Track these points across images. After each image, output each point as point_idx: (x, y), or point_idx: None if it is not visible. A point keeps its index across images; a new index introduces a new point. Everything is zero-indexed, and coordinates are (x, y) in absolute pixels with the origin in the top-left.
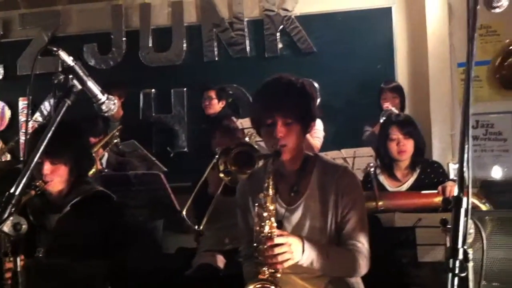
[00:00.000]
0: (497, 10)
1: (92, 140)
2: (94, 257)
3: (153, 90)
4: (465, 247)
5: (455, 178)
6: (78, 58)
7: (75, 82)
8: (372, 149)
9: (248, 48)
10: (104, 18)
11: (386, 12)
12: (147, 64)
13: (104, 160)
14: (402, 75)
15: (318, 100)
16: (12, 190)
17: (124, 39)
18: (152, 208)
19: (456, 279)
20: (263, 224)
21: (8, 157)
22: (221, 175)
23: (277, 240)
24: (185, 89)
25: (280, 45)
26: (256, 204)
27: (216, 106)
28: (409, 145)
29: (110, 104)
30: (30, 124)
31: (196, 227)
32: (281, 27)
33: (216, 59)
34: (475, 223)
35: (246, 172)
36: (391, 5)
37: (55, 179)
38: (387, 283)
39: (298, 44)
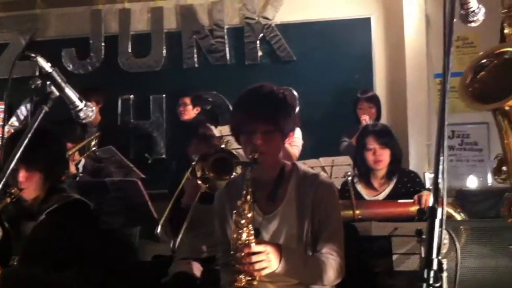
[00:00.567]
0: (473, 25)
1: (69, 145)
2: (69, 266)
3: (131, 96)
4: (440, 257)
5: (431, 187)
6: (56, 62)
7: (53, 88)
8: (350, 158)
9: (228, 56)
10: (83, 23)
11: (365, 22)
12: (126, 70)
13: (80, 166)
14: (380, 85)
15: (297, 109)
16: None
17: (103, 44)
18: (128, 215)
19: None
20: (240, 231)
21: None
22: (199, 181)
23: (254, 248)
24: (164, 95)
25: (260, 53)
26: (234, 212)
27: (191, 112)
28: (385, 155)
29: (88, 111)
30: (6, 128)
31: (171, 245)
32: (261, 35)
33: (196, 66)
34: (449, 234)
35: (224, 178)
36: (370, 15)
37: (31, 186)
38: None
39: (278, 52)
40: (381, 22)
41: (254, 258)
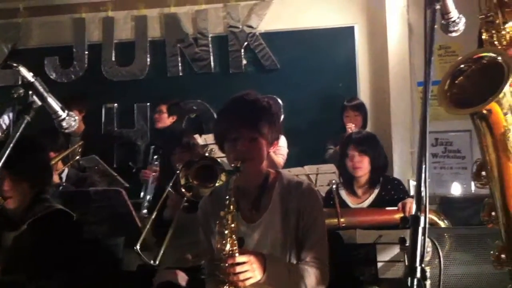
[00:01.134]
0: (454, 34)
1: (52, 155)
2: (51, 276)
3: (115, 104)
4: (423, 265)
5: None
6: (39, 71)
7: (35, 98)
8: (335, 166)
9: (212, 64)
10: (66, 31)
11: (348, 31)
12: (109, 78)
13: (64, 175)
14: (364, 93)
15: (282, 117)
16: None
17: (86, 52)
18: (112, 225)
19: None
20: (224, 242)
21: None
22: (183, 189)
23: (238, 259)
24: (148, 104)
25: (244, 62)
26: (217, 222)
27: (166, 120)
28: (364, 162)
29: (71, 121)
30: None
31: (152, 261)
32: (246, 43)
33: (180, 74)
34: (432, 241)
35: (208, 186)
36: (354, 24)
37: (16, 195)
38: None
39: (262, 61)
40: (364, 31)
41: (238, 269)
